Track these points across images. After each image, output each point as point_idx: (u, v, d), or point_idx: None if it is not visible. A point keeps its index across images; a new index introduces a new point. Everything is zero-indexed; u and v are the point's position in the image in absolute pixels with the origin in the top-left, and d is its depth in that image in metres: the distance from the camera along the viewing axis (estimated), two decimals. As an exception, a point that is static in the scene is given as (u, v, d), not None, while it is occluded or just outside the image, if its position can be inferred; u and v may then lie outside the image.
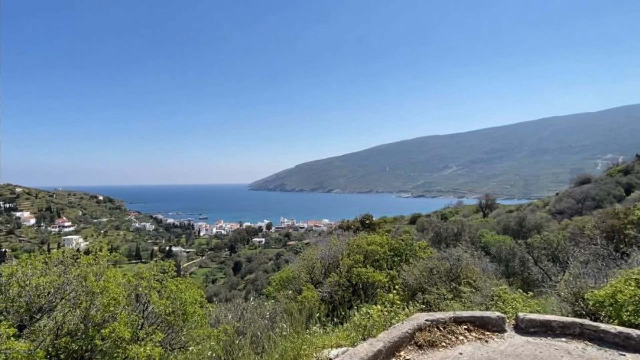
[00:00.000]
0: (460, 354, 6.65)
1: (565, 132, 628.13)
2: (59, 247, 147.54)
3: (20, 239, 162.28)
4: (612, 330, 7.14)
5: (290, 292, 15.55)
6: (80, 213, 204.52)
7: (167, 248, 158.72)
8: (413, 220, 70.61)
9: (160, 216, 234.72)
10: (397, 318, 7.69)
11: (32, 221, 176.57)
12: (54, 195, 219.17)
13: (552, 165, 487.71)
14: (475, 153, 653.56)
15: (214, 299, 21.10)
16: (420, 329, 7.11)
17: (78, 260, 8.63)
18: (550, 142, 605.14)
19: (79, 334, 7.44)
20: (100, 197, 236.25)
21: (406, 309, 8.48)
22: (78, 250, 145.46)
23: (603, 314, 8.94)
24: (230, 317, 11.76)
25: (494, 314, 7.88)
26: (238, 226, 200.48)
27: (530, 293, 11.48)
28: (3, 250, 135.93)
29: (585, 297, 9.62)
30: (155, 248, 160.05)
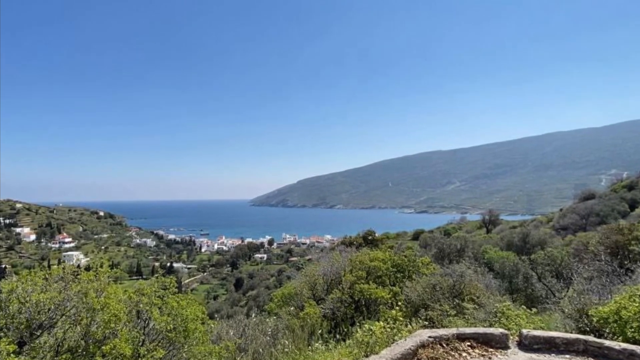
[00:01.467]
0: (464, 370, 6.59)
1: (569, 148, 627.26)
2: (59, 263, 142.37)
3: (21, 254, 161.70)
4: (617, 347, 7.12)
5: (292, 308, 15.53)
6: (81, 229, 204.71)
7: (169, 264, 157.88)
8: (416, 236, 70.39)
9: (161, 232, 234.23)
10: (399, 335, 7.69)
11: (33, 237, 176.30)
12: (54, 211, 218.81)
13: (556, 180, 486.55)
14: (478, 168, 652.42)
15: (216, 316, 20.67)
16: (423, 345, 7.09)
17: (79, 276, 8.62)
18: (554, 158, 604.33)
19: (80, 350, 7.42)
20: (101, 213, 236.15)
21: (409, 326, 8.50)
22: (79, 266, 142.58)
23: (607, 331, 8.90)
24: (232, 333, 11.67)
25: (497, 330, 7.88)
26: (240, 242, 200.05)
27: (534, 309, 11.42)
28: (3, 266, 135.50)
29: (590, 313, 9.59)
30: (157, 264, 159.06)
